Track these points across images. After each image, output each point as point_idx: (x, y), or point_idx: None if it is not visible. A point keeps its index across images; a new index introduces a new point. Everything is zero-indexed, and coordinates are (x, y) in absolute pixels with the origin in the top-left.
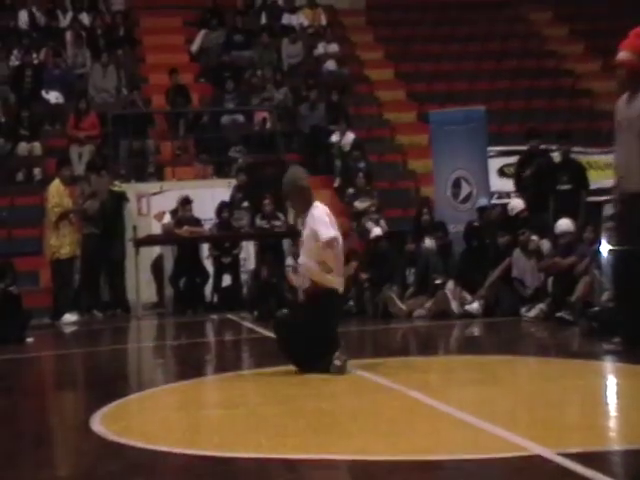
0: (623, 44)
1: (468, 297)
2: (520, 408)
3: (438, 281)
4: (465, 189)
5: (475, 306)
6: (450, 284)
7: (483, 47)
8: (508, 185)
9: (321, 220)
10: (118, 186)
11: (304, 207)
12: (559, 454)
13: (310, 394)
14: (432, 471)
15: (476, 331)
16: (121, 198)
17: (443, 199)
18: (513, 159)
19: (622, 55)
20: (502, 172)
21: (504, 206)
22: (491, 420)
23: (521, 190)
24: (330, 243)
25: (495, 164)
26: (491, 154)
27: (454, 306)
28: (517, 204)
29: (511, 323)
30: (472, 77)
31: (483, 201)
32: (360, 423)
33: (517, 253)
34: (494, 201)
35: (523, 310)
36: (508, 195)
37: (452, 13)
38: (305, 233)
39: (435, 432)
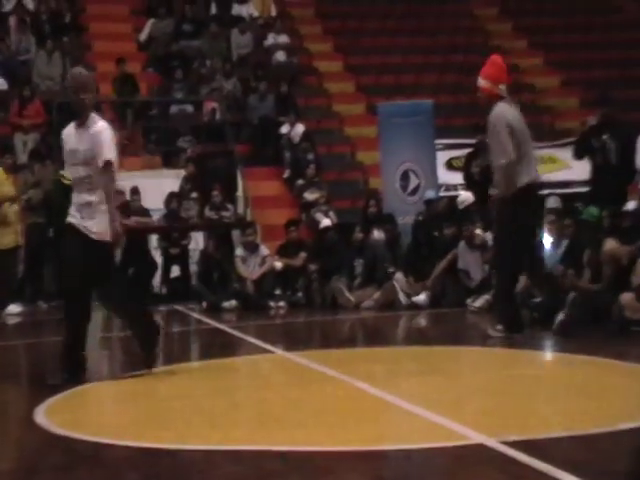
0: (481, 72)
1: (416, 289)
2: (464, 398)
3: (391, 269)
4: (413, 181)
5: (422, 297)
6: (398, 275)
7: (431, 41)
8: (455, 178)
9: (109, 138)
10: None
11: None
12: (501, 442)
13: (257, 385)
14: (377, 461)
15: (423, 322)
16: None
17: (391, 191)
18: (460, 152)
19: (479, 82)
20: (450, 165)
21: (451, 198)
22: (436, 410)
23: (470, 184)
24: (112, 165)
25: (443, 157)
26: (439, 147)
27: (402, 297)
28: (466, 197)
29: (457, 314)
30: (420, 70)
31: (430, 193)
32: (306, 414)
33: (462, 245)
34: (442, 193)
35: (469, 301)
36: (455, 188)
37: (400, 7)
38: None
39: (381, 422)
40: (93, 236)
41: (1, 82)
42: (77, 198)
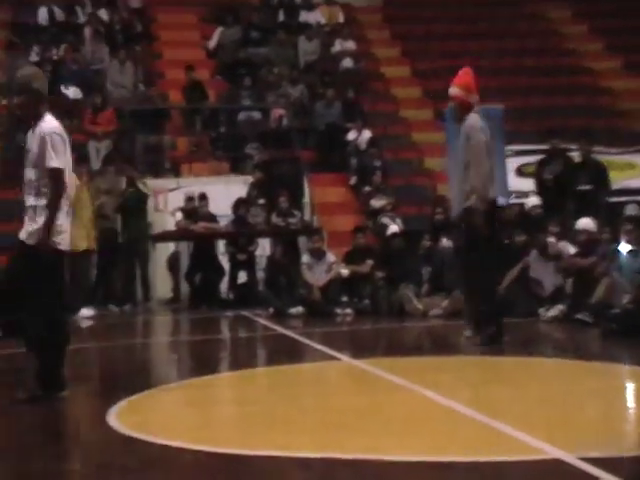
0: (454, 80)
1: None
2: (537, 410)
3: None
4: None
5: None
6: None
7: (501, 45)
8: (526, 184)
9: (56, 143)
10: (145, 187)
11: (35, 114)
12: (580, 458)
13: (324, 392)
14: (446, 471)
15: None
16: (143, 197)
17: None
18: (531, 158)
19: (452, 90)
20: (520, 172)
21: (521, 205)
22: (507, 421)
23: (543, 191)
24: (59, 174)
25: (513, 163)
26: (509, 153)
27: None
28: (533, 201)
29: (528, 324)
30: (490, 75)
31: (500, 201)
32: (374, 422)
33: (534, 254)
34: (512, 201)
35: (541, 311)
36: (526, 195)
37: (470, 10)
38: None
39: (449, 432)
40: (30, 241)
41: (76, 91)
42: (26, 202)
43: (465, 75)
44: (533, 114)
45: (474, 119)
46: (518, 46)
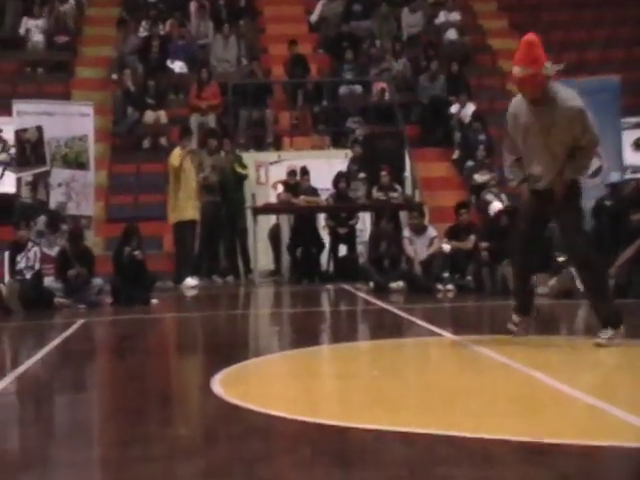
0: (519, 59)
1: None
2: None
3: (561, 259)
4: (594, 163)
5: None
6: None
7: (619, 13)
8: None
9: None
10: (240, 166)
11: None
12: None
13: (426, 368)
14: (556, 455)
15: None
16: (240, 176)
17: None
18: None
19: (516, 71)
20: (637, 145)
21: (638, 181)
22: (624, 406)
23: None
24: None
25: (630, 137)
26: (625, 126)
27: (579, 285)
28: None
29: None
30: (605, 46)
31: (615, 176)
32: (478, 401)
33: None
34: (628, 176)
35: None
36: None
37: None
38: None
39: (558, 414)
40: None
41: (182, 66)
42: None
43: (528, 47)
44: None
45: (570, 90)
46: (637, 14)
